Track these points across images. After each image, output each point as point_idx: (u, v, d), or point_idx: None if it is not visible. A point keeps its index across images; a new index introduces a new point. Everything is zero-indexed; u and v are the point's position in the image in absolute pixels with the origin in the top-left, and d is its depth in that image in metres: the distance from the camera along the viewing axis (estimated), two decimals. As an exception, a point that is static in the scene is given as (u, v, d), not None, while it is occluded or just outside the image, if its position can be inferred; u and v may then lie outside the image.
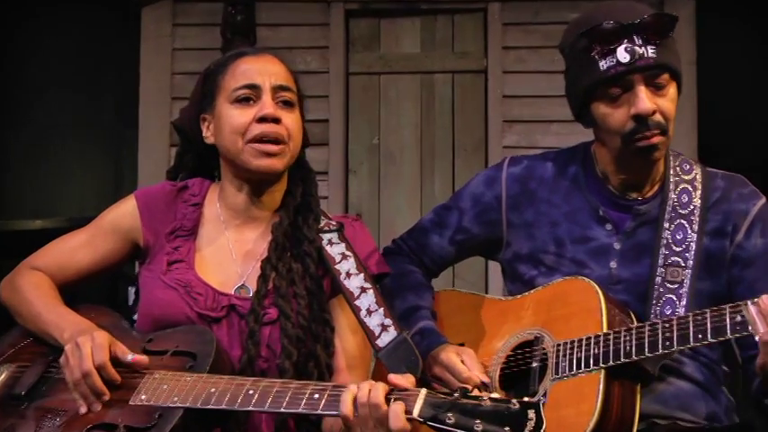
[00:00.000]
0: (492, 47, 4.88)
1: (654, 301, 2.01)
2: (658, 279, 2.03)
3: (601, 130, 2.08)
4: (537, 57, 4.81)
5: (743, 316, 1.78)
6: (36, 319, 1.94)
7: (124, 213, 2.03)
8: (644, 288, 2.05)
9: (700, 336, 1.80)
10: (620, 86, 1.99)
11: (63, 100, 5.50)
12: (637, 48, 1.96)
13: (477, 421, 1.49)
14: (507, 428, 1.47)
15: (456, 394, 1.53)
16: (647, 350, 1.85)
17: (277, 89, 1.95)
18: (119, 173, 5.51)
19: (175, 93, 4.94)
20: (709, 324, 1.80)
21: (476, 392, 1.53)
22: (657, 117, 1.99)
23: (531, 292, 2.11)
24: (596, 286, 1.98)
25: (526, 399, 1.51)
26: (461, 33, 5.00)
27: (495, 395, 1.53)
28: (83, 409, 1.76)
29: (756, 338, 1.77)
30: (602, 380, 1.86)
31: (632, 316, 2.00)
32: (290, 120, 1.95)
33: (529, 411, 1.48)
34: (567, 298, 2.02)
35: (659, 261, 2.04)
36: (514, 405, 1.50)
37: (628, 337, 1.87)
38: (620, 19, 1.98)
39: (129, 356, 1.80)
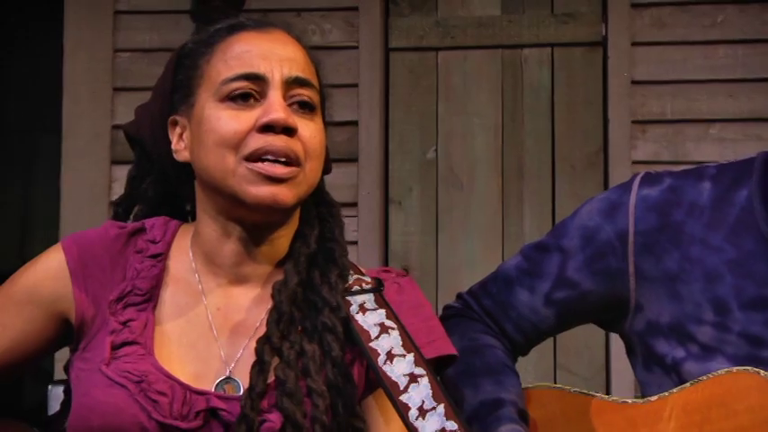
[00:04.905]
0: (615, 4, 4.93)
1: None
2: None
3: None
4: (687, 18, 4.79)
5: None
6: None
7: (46, 274, 2.04)
8: None
9: None
10: None
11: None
12: None
13: None
14: None
15: None
16: None
17: (291, 83, 1.97)
18: (27, 206, 5.59)
19: (119, 80, 5.04)
20: None
21: None
22: None
23: (675, 391, 2.10)
24: (784, 383, 1.99)
25: None
26: (566, -16, 5.08)
27: None
28: None
29: None
30: None
31: None
32: (309, 131, 1.97)
33: None
34: (734, 403, 2.01)
35: None
36: None
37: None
38: None
39: None
